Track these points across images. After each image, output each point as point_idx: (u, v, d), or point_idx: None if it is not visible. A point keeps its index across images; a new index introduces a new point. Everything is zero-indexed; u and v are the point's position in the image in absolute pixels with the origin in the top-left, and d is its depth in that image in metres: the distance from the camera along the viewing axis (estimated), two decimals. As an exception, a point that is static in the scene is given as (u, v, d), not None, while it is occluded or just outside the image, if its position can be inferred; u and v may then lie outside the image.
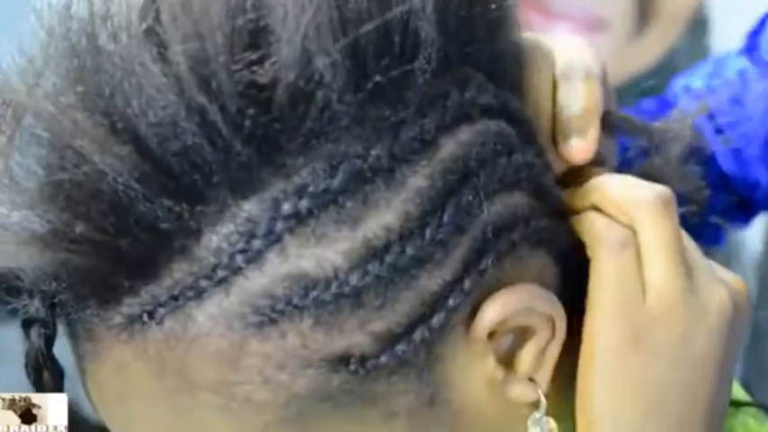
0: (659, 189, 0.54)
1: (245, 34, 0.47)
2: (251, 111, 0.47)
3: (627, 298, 0.53)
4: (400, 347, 0.49)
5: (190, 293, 0.48)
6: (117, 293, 0.49)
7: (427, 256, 0.49)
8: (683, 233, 0.54)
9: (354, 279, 0.48)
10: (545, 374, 0.53)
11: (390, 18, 0.48)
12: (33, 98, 0.48)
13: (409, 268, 0.49)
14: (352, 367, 0.49)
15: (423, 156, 0.49)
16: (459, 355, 0.51)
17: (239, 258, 0.48)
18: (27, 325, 0.51)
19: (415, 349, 0.50)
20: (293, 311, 0.48)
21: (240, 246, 0.48)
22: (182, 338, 0.49)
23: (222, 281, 0.48)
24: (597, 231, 0.54)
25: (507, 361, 0.53)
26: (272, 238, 0.48)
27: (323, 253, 0.48)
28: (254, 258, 0.48)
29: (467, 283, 0.50)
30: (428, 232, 0.49)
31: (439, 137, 0.50)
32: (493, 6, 0.52)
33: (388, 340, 0.49)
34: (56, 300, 0.50)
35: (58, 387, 0.52)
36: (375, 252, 0.48)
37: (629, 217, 0.54)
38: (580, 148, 0.56)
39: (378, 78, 0.48)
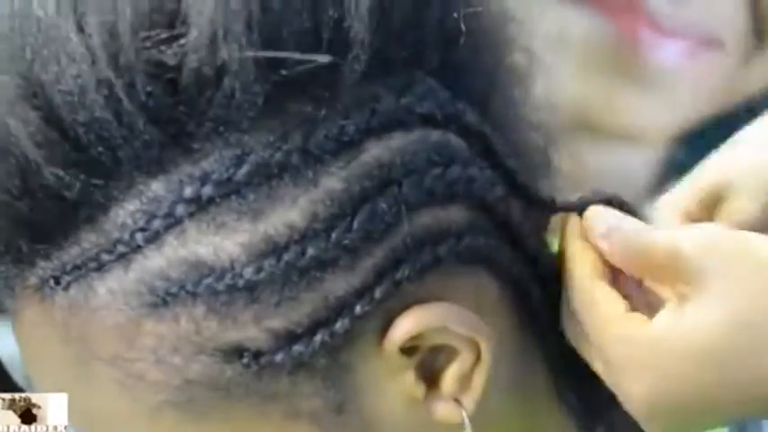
0: None
1: (158, 13, 0.47)
2: (157, 91, 0.46)
3: None
4: (298, 348, 0.48)
5: (93, 264, 0.48)
6: (30, 255, 0.49)
7: (331, 259, 0.48)
8: None
9: (249, 273, 0.47)
10: (471, 398, 0.51)
11: (320, 15, 0.47)
12: None
13: (309, 269, 0.48)
14: (245, 360, 0.48)
15: (339, 158, 0.48)
16: (372, 366, 0.50)
17: (139, 236, 0.48)
18: None
19: (314, 352, 0.49)
20: (186, 296, 0.48)
21: (141, 224, 0.48)
22: (84, 308, 0.49)
23: (122, 257, 0.48)
24: None
25: (431, 379, 0.51)
26: (172, 221, 0.48)
27: (221, 242, 0.47)
28: (153, 238, 0.48)
29: (378, 292, 0.49)
30: (334, 236, 0.48)
31: (363, 140, 0.49)
32: (449, 16, 0.50)
33: (286, 339, 0.48)
34: None
35: None
36: (274, 248, 0.47)
37: None
38: None
39: (295, 73, 0.47)
